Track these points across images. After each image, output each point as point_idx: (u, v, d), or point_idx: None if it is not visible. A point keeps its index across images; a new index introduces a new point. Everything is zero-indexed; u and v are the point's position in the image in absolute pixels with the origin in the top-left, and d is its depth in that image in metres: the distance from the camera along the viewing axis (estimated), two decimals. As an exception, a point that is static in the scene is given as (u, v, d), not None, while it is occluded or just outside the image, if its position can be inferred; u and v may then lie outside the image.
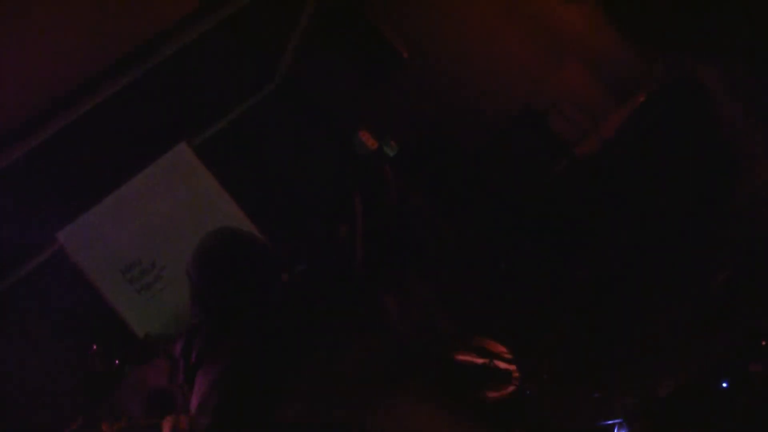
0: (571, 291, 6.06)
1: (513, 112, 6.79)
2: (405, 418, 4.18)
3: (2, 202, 6.11)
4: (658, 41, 5.44)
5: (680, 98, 5.66)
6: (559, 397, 5.15)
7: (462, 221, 6.80)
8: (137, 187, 6.41)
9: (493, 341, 5.50)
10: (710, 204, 5.45)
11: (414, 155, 6.85)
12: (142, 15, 5.99)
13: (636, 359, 4.98)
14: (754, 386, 4.28)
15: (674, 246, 5.53)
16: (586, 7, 6.05)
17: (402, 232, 6.59)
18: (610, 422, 4.64)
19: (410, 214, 6.70)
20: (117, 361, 5.76)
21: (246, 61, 6.84)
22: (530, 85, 6.77)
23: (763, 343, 4.33)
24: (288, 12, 6.77)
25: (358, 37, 6.64)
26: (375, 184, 6.61)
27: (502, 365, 5.25)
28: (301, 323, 3.68)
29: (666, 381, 4.63)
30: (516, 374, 5.22)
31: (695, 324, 4.87)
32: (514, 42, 6.70)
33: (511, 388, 5.18)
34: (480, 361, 5.36)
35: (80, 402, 6.15)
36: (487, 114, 6.94)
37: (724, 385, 4.39)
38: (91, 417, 5.93)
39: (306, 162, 7.02)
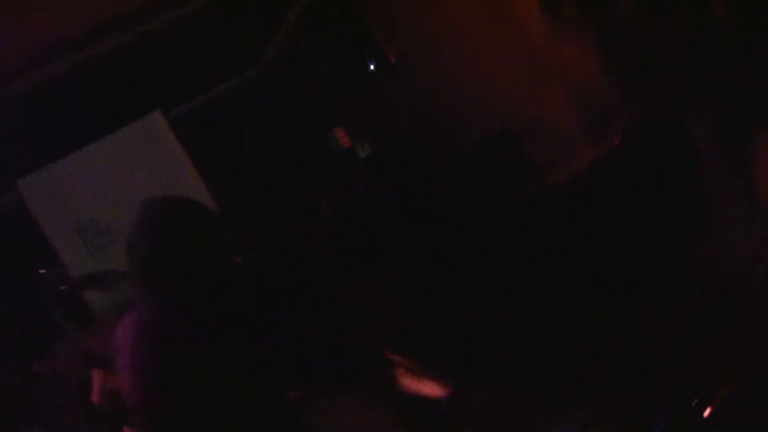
0: (523, 315, 6.06)
1: (490, 130, 6.80)
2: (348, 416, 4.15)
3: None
4: (647, 84, 5.46)
5: (659, 141, 5.68)
6: (507, 411, 5.15)
7: (424, 232, 6.79)
8: (106, 147, 6.39)
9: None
10: (673, 252, 5.46)
11: (386, 160, 6.84)
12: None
13: (585, 385, 4.98)
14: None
15: (629, 287, 5.54)
16: (580, 40, 6.06)
17: (364, 236, 6.59)
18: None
19: (373, 219, 6.70)
20: (62, 287, 5.67)
21: (234, 43, 6.83)
22: (510, 106, 6.79)
23: (695, 402, 4.33)
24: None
25: (349, 36, 6.64)
26: (343, 185, 6.61)
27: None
28: (246, 306, 3.64)
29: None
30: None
31: (638, 367, 4.87)
32: (502, 62, 6.72)
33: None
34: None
35: (17, 351, 6.10)
36: (463, 129, 6.96)
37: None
38: (27, 371, 5.88)
39: (278, 151, 7.01)
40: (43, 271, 5.63)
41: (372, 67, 6.67)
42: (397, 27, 6.95)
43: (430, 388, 5.39)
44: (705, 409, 4.20)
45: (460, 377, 5.57)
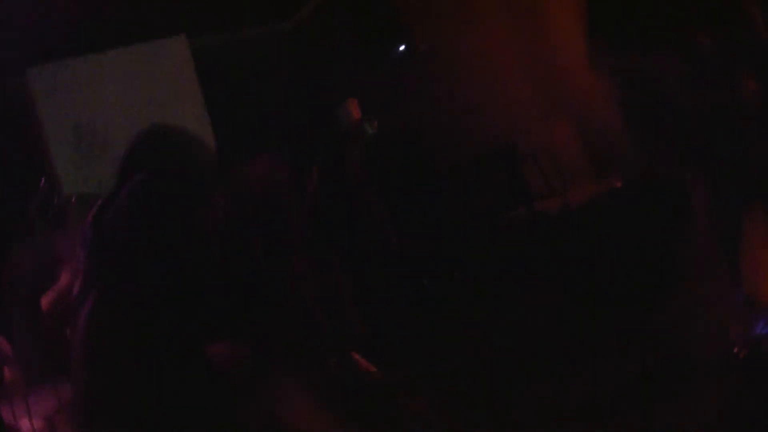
0: (477, 333, 6.08)
1: (494, 144, 6.82)
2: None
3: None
4: (661, 135, 5.47)
5: (658, 193, 5.73)
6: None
7: (407, 229, 6.79)
8: (123, 58, 6.39)
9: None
10: (643, 304, 5.50)
11: (387, 150, 6.85)
12: None
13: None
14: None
15: (592, 327, 5.57)
16: (607, 77, 6.08)
17: (345, 217, 6.60)
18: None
19: (361, 204, 6.71)
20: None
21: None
22: (521, 125, 6.85)
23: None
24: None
25: (383, 17, 6.65)
26: (340, 160, 6.62)
27: None
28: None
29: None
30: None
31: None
32: (525, 79, 6.78)
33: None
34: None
35: None
36: (469, 137, 6.99)
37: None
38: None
39: (289, 109, 7.00)
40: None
41: (398, 51, 6.70)
42: (432, 20, 6.99)
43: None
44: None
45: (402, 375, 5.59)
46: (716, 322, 4.93)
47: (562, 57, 6.55)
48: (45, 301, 4.85)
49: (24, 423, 5.10)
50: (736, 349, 4.56)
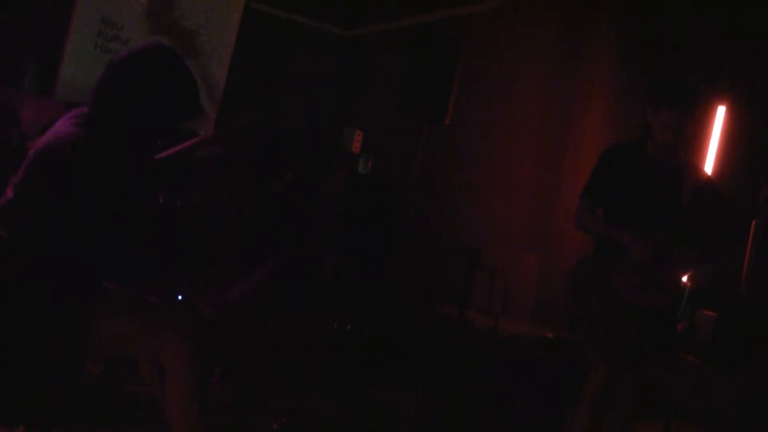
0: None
1: (460, 245, 6.86)
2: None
3: None
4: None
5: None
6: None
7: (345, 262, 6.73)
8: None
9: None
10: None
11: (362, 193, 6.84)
12: None
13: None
14: None
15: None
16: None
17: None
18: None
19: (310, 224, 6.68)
20: None
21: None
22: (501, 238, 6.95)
23: None
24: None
25: (432, 75, 6.62)
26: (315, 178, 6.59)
27: None
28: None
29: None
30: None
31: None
32: (530, 210, 6.86)
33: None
34: None
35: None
36: (442, 224, 7.02)
37: None
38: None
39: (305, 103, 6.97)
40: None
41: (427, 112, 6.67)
42: (472, 102, 7.00)
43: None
44: None
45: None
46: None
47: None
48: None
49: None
50: None
